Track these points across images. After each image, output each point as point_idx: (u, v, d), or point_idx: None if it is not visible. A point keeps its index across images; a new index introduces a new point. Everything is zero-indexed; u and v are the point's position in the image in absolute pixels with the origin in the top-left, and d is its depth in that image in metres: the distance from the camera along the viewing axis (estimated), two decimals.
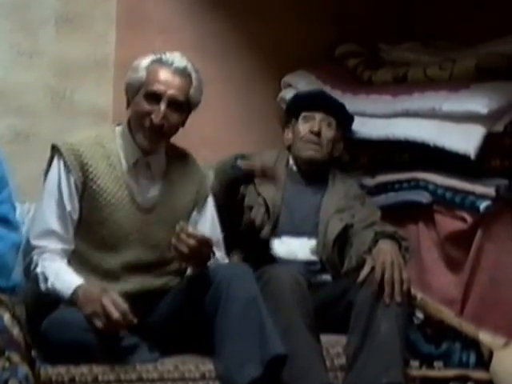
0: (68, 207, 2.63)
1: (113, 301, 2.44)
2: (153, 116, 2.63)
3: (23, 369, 2.08)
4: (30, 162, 3.06)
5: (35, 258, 2.59)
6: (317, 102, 3.23)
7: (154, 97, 2.64)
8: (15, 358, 2.08)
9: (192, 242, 2.50)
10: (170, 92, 2.63)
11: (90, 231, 2.65)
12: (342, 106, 3.29)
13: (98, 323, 2.44)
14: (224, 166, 2.91)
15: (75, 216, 2.64)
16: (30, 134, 3.19)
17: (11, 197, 2.43)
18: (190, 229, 2.57)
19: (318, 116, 3.20)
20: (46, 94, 3.23)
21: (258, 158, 3.02)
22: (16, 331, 2.16)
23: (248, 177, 2.92)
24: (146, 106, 2.64)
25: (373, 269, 2.79)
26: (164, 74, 2.65)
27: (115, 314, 2.42)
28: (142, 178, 2.72)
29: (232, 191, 2.94)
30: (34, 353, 2.20)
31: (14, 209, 2.45)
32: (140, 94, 2.66)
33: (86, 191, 2.63)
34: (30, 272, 2.60)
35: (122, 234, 2.64)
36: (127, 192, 2.68)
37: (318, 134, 3.17)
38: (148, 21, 3.40)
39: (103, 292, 2.47)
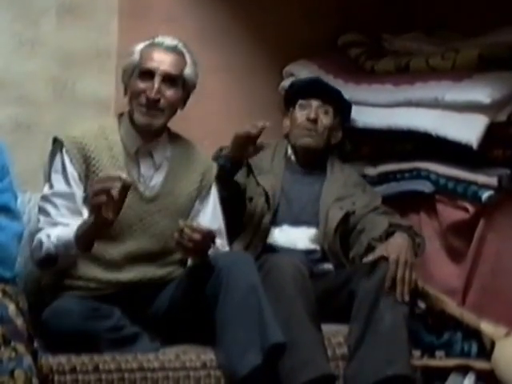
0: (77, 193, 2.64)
1: (99, 181, 2.36)
2: (148, 92, 2.66)
3: (28, 359, 2.09)
4: (31, 152, 3.07)
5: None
6: (313, 90, 3.22)
7: (148, 74, 2.68)
8: (20, 348, 2.09)
9: (197, 236, 2.51)
10: (163, 68, 2.68)
11: None
12: (338, 93, 3.28)
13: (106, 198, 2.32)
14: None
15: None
16: (32, 124, 3.18)
17: (12, 186, 2.43)
18: (195, 224, 2.58)
19: (315, 103, 3.19)
20: (48, 83, 3.22)
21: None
22: (20, 322, 2.16)
23: (236, 164, 2.97)
24: (140, 85, 2.69)
25: (382, 257, 2.79)
26: (156, 53, 2.71)
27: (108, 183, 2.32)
28: (145, 168, 2.73)
29: (226, 182, 2.96)
30: (35, 344, 2.20)
31: (16, 198, 2.45)
32: (134, 75, 2.70)
33: (89, 183, 2.63)
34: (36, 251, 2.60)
35: (125, 223, 2.64)
36: None
37: (315, 121, 3.17)
38: (150, 10, 3.39)
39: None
